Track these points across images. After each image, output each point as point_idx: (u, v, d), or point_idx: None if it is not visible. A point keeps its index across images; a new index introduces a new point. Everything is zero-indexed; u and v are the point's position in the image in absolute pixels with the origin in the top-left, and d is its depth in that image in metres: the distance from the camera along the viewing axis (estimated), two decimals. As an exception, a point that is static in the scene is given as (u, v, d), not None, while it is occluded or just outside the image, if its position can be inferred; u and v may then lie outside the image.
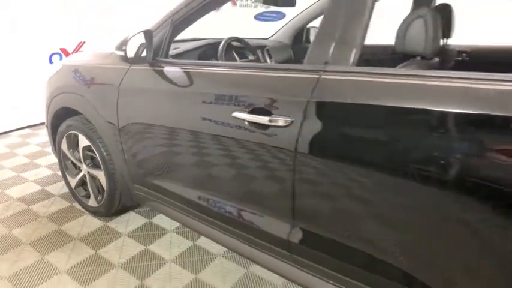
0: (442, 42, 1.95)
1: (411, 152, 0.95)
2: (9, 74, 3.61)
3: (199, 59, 2.00)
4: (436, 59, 1.37)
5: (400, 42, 1.23)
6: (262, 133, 1.20)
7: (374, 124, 1.02)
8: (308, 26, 2.65)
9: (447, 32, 1.78)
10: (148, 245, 1.93)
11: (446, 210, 0.92)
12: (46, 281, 1.65)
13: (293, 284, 1.63)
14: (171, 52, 1.85)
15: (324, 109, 1.09)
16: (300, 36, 2.69)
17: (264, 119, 1.18)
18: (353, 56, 1.08)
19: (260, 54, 2.29)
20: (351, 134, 1.06)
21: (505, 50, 1.99)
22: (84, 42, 4.12)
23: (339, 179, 1.10)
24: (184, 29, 1.60)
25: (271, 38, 2.72)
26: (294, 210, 1.22)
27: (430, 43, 1.17)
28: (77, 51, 4.06)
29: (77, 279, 1.66)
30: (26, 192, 2.45)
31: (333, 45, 1.11)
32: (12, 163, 2.94)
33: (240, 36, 2.32)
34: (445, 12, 1.78)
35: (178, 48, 1.94)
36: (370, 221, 1.07)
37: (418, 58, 1.24)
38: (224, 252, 1.87)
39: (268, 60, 2.26)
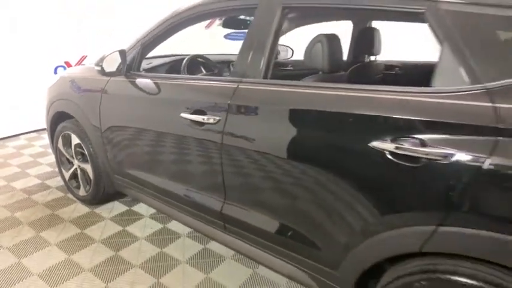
0: (369, 58, 2.33)
1: (293, 137, 1.32)
2: (19, 85, 4.07)
3: (169, 72, 2.40)
4: (342, 73, 1.73)
5: (307, 60, 1.59)
6: (200, 129, 1.58)
7: (273, 121, 1.38)
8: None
9: (370, 50, 2.14)
10: (126, 226, 2.30)
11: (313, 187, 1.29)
12: (39, 251, 2.04)
13: (239, 255, 1.99)
14: (146, 66, 2.26)
15: (239, 110, 1.46)
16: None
17: (200, 118, 1.56)
18: (262, 71, 1.46)
19: (226, 68, 2.69)
20: (258, 128, 1.42)
21: (427, 64, 2.35)
22: (86, 56, 4.58)
23: (253, 163, 1.46)
24: (152, 49, 2.00)
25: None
26: (225, 189, 1.59)
27: (326, 62, 1.53)
28: (79, 64, 4.51)
29: (64, 250, 2.04)
30: (28, 185, 2.87)
31: (248, 62, 1.50)
32: (18, 161, 3.37)
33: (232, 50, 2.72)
34: (370, 34, 2.14)
35: (151, 63, 2.35)
36: (278, 193, 1.42)
37: (320, 73, 1.61)
38: (188, 232, 2.24)
39: (233, 73, 2.65)
